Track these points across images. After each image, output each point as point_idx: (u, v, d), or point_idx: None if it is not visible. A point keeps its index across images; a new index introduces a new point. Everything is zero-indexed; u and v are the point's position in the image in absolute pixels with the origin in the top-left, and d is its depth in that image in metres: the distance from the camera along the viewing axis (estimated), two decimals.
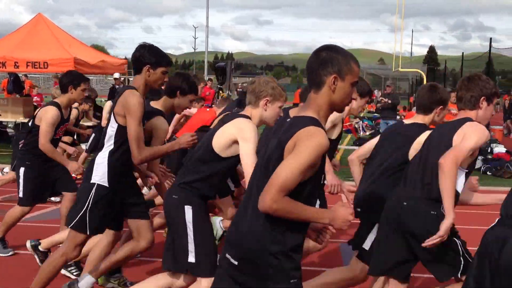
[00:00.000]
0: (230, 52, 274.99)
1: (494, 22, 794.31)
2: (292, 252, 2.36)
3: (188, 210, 3.39)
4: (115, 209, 3.75)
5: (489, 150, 12.17)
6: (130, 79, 18.64)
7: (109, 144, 3.62)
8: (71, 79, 4.75)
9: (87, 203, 3.58)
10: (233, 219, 2.58)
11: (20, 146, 5.49)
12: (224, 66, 17.95)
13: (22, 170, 4.90)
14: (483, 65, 42.88)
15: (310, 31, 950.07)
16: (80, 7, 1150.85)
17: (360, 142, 12.62)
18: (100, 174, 3.60)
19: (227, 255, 2.43)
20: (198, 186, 3.44)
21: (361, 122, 13.69)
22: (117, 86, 14.45)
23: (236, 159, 3.43)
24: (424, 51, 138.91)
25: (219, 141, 3.40)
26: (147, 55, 3.59)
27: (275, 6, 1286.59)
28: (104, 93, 27.61)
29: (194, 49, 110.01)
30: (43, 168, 4.93)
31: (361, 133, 12.14)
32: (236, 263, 2.39)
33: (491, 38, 31.76)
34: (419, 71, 48.30)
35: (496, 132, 16.66)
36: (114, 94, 13.92)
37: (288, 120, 2.48)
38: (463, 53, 39.72)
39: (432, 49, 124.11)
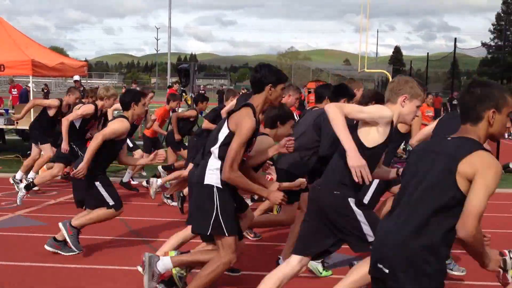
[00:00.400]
0: (194, 53, 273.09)
1: (459, 22, 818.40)
2: (443, 261, 2.63)
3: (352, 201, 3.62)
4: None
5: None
6: (89, 81, 17.70)
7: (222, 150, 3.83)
8: (132, 97, 5.40)
9: (215, 207, 3.79)
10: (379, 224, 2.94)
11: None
12: (187, 68, 17.55)
13: (98, 179, 5.32)
14: (448, 66, 43.37)
15: (275, 32, 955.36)
16: (38, 7, 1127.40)
17: None
18: (215, 178, 3.82)
19: (379, 265, 2.69)
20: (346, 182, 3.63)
21: None
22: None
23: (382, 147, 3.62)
24: (389, 52, 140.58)
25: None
26: (268, 75, 3.87)
27: (238, 6, 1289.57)
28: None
29: (157, 51, 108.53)
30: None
31: None
32: (387, 271, 2.66)
33: (455, 38, 31.85)
34: (384, 71, 48.47)
35: None
36: None
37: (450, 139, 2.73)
38: (428, 53, 39.86)
39: (397, 50, 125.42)
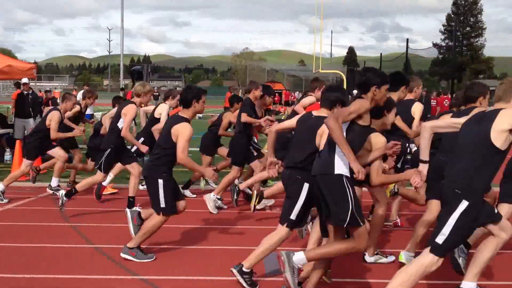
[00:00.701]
0: (147, 54, 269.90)
1: (411, 23, 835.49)
2: None
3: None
4: None
5: (408, 151, 12.06)
6: (39, 84, 16.96)
7: None
8: (193, 94, 5.39)
9: (349, 197, 3.97)
10: None
11: (152, 158, 5.60)
12: (140, 70, 17.18)
13: (160, 181, 5.30)
14: (401, 66, 44.02)
15: (229, 33, 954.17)
16: None
17: None
18: (342, 166, 4.01)
19: None
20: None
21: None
22: (25, 92, 12.89)
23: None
24: (343, 52, 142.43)
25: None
26: (373, 77, 4.22)
27: (192, 7, 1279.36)
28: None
29: (109, 52, 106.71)
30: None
31: None
32: None
33: (407, 39, 32.51)
34: (339, 72, 48.91)
35: None
36: (23, 100, 12.74)
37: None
38: (381, 54, 40.68)
39: (351, 50, 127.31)
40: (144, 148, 7.38)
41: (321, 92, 5.62)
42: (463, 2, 75.39)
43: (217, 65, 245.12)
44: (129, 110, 7.20)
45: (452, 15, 74.64)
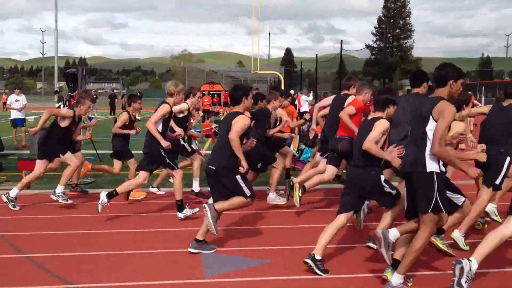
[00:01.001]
0: (83, 57, 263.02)
1: (345, 25, 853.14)
2: None
3: None
4: None
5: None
6: None
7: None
8: (242, 92, 6.09)
9: (435, 189, 4.58)
10: None
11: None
12: (74, 72, 16.81)
13: (239, 173, 5.98)
14: (336, 66, 45.28)
15: (168, 35, 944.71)
16: None
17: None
18: (434, 164, 4.59)
19: None
20: None
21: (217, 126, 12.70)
22: None
23: None
24: (281, 53, 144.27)
25: None
26: (451, 72, 4.70)
27: (130, 9, 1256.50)
28: None
29: (43, 55, 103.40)
30: None
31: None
32: None
33: (342, 41, 33.46)
34: (276, 73, 49.59)
35: None
36: None
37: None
38: (317, 55, 41.53)
39: (288, 51, 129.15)
40: (165, 143, 7.25)
41: (372, 95, 6.56)
42: (392, 6, 78.23)
43: (155, 67, 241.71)
44: (161, 108, 7.23)
45: (383, 18, 77.36)
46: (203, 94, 36.36)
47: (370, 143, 5.11)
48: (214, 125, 15.22)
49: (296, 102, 20.73)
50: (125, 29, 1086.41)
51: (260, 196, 7.94)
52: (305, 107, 20.80)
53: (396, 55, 74.93)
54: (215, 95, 54.65)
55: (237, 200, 5.86)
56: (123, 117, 8.62)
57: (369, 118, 5.41)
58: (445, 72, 4.72)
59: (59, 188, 7.86)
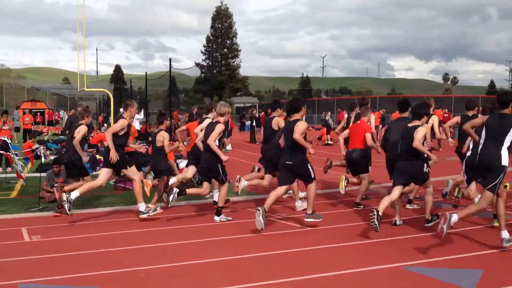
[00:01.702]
0: None
1: (174, 43, 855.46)
2: None
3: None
4: None
5: None
6: None
7: (508, 140, 6.67)
8: (302, 102, 8.05)
9: (499, 178, 6.58)
10: None
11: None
12: None
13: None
14: (166, 84, 45.31)
15: None
16: None
17: (42, 168, 11.29)
18: (506, 159, 6.58)
19: None
20: None
21: (41, 147, 11.70)
22: None
23: None
24: (110, 70, 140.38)
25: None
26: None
27: None
28: None
29: None
30: None
31: (43, 159, 10.45)
32: None
33: (170, 59, 33.66)
34: (105, 90, 48.16)
35: None
36: None
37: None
38: (146, 72, 41.14)
39: (118, 68, 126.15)
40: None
41: (411, 108, 8.23)
42: (220, 26, 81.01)
43: None
44: (216, 127, 8.32)
45: (211, 37, 79.63)
46: (24, 113, 34.02)
47: (418, 143, 7.33)
48: (36, 146, 13.83)
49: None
50: None
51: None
52: (136, 126, 20.41)
53: (225, 74, 77.61)
54: (38, 113, 51.27)
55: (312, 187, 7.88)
56: None
57: (409, 125, 7.73)
58: (508, 98, 6.81)
59: (142, 207, 8.41)
